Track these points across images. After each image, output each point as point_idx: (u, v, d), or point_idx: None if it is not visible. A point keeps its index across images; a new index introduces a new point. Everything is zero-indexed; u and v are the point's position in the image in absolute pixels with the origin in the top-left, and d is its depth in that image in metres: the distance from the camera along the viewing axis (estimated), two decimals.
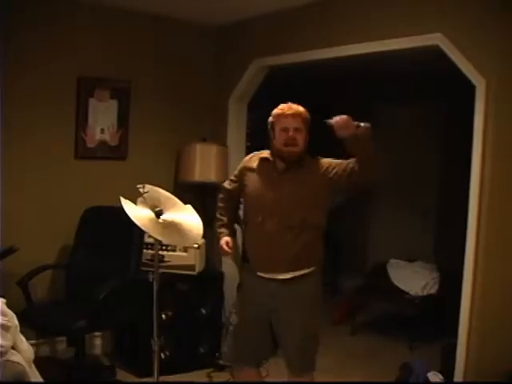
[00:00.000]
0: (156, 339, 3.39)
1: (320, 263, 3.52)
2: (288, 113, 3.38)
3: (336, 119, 3.12)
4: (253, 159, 3.61)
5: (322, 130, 3.18)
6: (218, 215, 3.74)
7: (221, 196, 3.79)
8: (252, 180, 3.53)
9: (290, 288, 3.41)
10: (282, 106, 3.45)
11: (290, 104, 3.44)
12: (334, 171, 3.34)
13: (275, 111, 3.45)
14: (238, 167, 3.71)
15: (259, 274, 3.45)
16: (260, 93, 5.65)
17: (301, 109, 3.42)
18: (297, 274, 3.40)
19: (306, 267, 3.43)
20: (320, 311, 3.57)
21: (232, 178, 3.74)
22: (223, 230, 3.66)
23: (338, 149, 3.25)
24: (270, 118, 3.46)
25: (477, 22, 3.77)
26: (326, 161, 3.44)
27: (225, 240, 3.57)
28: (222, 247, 3.57)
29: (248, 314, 3.57)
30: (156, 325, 3.38)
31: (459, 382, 3.90)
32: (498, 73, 3.70)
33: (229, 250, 3.54)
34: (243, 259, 3.59)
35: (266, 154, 3.55)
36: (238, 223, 3.76)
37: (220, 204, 3.78)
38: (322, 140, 3.64)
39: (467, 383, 3.84)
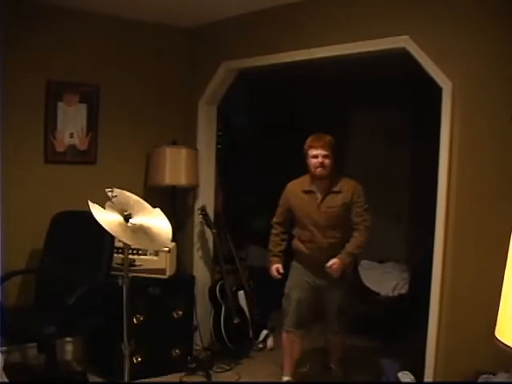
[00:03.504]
0: (126, 344, 3.38)
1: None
2: (318, 144, 4.36)
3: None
4: (297, 188, 4.56)
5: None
6: (271, 247, 4.72)
7: (273, 231, 4.73)
8: (299, 205, 4.52)
9: (331, 279, 4.41)
10: (312, 137, 4.44)
11: (318, 135, 4.43)
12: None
13: (308, 142, 4.42)
14: (284, 195, 4.66)
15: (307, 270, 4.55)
16: (231, 95, 5.68)
17: (328, 138, 4.40)
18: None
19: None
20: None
21: (279, 208, 4.70)
22: (274, 258, 4.66)
23: None
24: (305, 147, 4.42)
25: (443, 25, 3.82)
26: (356, 195, 4.45)
27: (275, 267, 4.61)
28: (272, 272, 4.62)
29: (298, 293, 4.55)
30: (126, 329, 3.37)
31: (429, 382, 3.94)
32: (464, 75, 3.75)
33: (278, 276, 4.61)
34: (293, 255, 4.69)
35: (307, 184, 4.51)
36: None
37: (272, 238, 4.73)
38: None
39: (436, 383, 3.89)
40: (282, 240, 4.71)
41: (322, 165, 4.35)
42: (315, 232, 4.43)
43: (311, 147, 4.40)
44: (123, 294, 3.39)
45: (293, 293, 4.56)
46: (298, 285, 4.56)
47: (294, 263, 4.66)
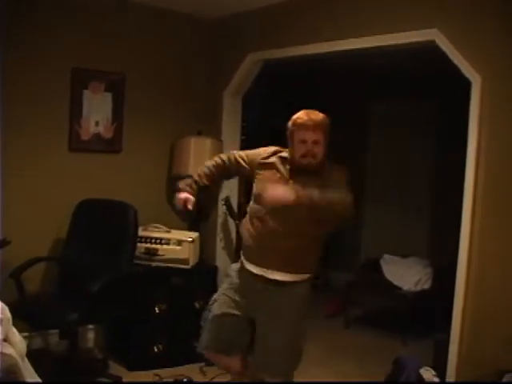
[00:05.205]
0: None
1: (313, 273, 3.37)
2: (309, 124, 3.18)
3: None
4: (270, 154, 3.39)
5: None
6: (197, 177, 3.52)
7: (215, 163, 3.55)
8: (266, 174, 3.33)
9: (280, 290, 3.27)
10: (301, 114, 3.25)
11: (309, 113, 3.24)
12: None
13: (295, 120, 3.25)
14: (252, 155, 3.45)
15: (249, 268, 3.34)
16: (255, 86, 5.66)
17: (321, 118, 3.23)
18: (289, 277, 3.26)
19: (299, 273, 3.29)
20: (306, 323, 3.40)
21: (241, 158, 3.48)
22: (195, 188, 3.48)
23: None
24: (290, 125, 3.26)
25: (473, 19, 3.77)
26: (342, 178, 3.23)
27: (186, 195, 3.43)
28: (180, 199, 3.44)
29: (231, 305, 3.39)
30: None
31: (451, 382, 3.91)
32: (493, 69, 3.70)
33: (183, 206, 3.42)
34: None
35: (285, 153, 3.35)
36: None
37: (208, 169, 3.54)
38: None
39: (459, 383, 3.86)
40: (217, 180, 3.65)
41: (312, 154, 3.19)
42: (271, 214, 3.24)
43: (299, 128, 3.22)
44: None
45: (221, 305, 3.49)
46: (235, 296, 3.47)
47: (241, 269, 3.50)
